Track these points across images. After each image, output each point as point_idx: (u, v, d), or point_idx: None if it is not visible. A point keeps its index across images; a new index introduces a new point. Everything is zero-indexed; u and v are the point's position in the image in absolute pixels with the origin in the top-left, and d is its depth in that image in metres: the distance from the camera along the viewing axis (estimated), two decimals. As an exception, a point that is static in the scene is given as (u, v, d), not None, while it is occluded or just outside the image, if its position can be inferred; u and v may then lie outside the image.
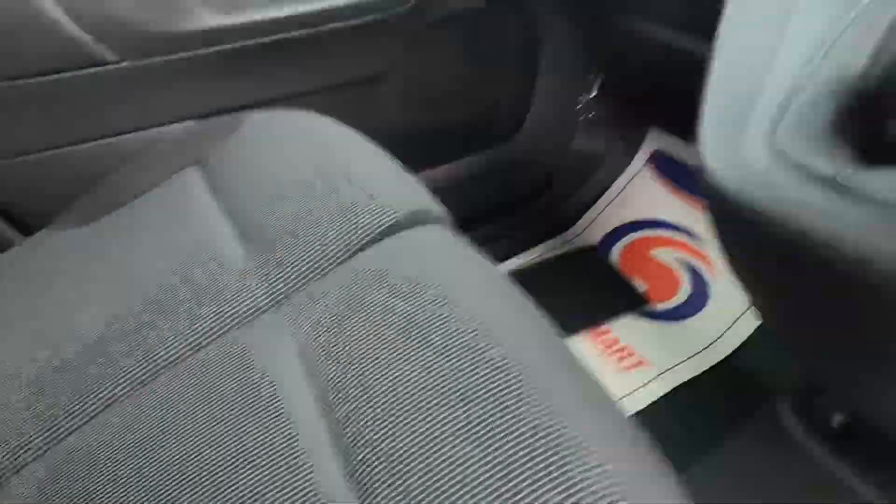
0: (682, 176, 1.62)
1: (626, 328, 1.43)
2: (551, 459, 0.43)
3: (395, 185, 0.77)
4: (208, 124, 1.04)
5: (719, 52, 0.57)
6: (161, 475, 0.50)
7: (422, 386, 0.49)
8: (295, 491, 0.46)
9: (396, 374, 0.51)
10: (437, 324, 0.53)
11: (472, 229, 1.69)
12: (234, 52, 1.21)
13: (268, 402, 0.53)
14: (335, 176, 0.75)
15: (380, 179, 0.77)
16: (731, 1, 0.60)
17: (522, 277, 1.62)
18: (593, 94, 1.65)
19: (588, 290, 1.56)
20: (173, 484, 0.49)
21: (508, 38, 1.58)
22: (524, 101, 1.62)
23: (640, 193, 1.68)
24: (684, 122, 0.67)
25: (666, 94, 1.46)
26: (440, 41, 1.49)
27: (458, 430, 0.46)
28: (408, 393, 0.49)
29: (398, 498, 0.44)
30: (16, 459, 0.56)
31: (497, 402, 0.47)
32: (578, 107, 1.66)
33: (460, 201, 1.69)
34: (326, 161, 0.80)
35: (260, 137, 0.91)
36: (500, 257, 1.69)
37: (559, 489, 0.42)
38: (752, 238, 0.52)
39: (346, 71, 1.41)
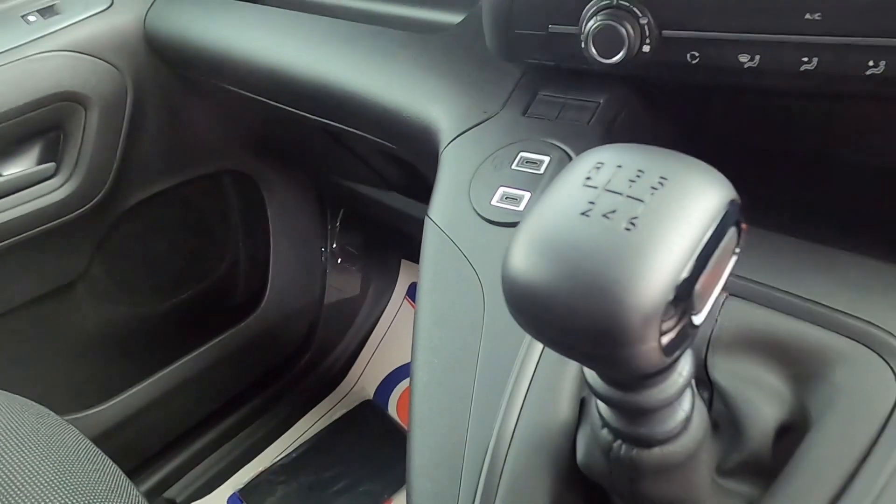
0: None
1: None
2: None
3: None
4: None
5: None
6: None
7: None
8: None
9: None
10: None
11: (236, 410, 1.54)
12: None
13: None
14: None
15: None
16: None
17: (305, 455, 1.46)
18: (334, 243, 1.55)
19: (372, 455, 1.44)
20: None
21: (229, 204, 1.44)
22: (261, 266, 1.48)
23: (404, 331, 1.61)
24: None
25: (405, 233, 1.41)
26: (144, 224, 1.31)
27: None
28: None
29: None
30: None
31: None
32: (323, 258, 1.56)
33: (215, 388, 1.52)
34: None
35: None
36: (273, 432, 1.53)
37: None
38: None
39: (29, 289, 1.19)
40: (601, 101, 0.60)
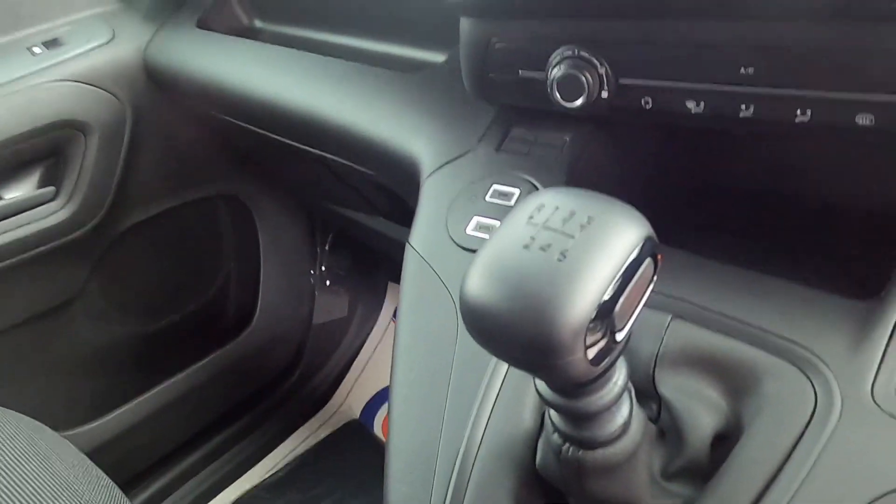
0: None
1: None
2: None
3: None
4: None
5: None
6: None
7: None
8: None
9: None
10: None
11: (226, 428, 1.58)
12: None
13: None
14: None
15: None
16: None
17: (293, 473, 1.50)
18: (323, 266, 1.60)
19: (358, 473, 1.48)
20: None
21: (221, 227, 1.49)
22: (252, 287, 1.52)
23: (391, 352, 1.65)
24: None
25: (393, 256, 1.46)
26: (139, 246, 1.35)
27: None
28: None
29: None
30: None
31: None
32: (311, 280, 1.60)
33: (206, 405, 1.56)
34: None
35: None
36: (262, 450, 1.56)
37: None
38: None
39: (26, 307, 1.23)
40: (567, 139, 0.66)
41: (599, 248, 0.29)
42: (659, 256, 0.31)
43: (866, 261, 0.51)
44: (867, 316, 0.45)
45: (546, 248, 0.29)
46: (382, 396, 1.59)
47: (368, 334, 1.66)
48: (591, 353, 0.30)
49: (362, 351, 1.65)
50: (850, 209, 0.59)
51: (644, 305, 0.32)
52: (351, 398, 1.62)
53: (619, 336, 0.31)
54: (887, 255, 0.49)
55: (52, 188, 1.18)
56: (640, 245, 0.30)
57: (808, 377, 0.44)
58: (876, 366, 0.43)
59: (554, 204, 0.31)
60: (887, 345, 0.43)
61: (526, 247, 0.30)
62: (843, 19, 0.46)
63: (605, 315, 0.29)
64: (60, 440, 0.81)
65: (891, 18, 0.44)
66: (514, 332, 0.29)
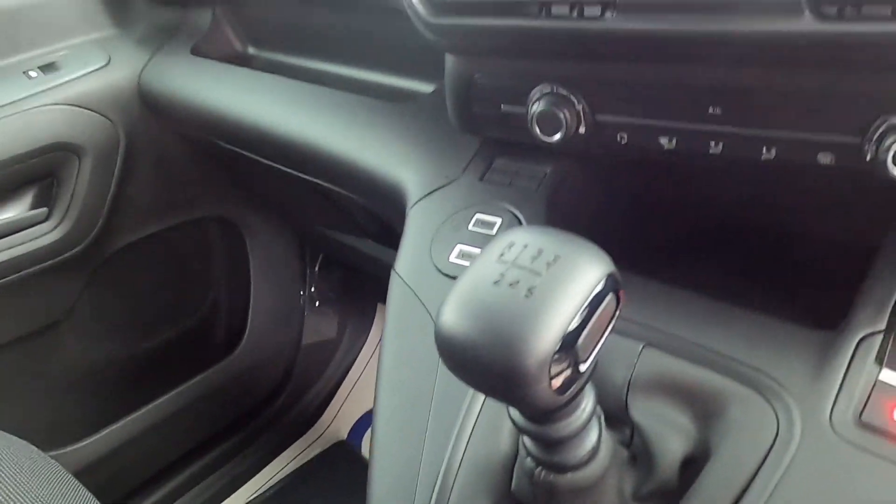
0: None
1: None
2: None
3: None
4: None
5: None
6: None
7: None
8: None
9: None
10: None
11: (214, 447, 1.58)
12: None
13: None
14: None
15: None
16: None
17: (280, 494, 1.50)
18: (313, 287, 1.62)
19: (345, 494, 1.48)
20: None
21: (211, 248, 1.50)
22: (242, 308, 1.54)
23: (379, 373, 1.66)
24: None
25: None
26: (129, 266, 1.37)
27: None
28: None
29: None
30: None
31: None
32: (301, 301, 1.62)
33: (194, 426, 1.56)
34: None
35: None
36: (250, 470, 1.56)
37: None
38: None
39: (15, 327, 1.24)
40: (548, 171, 0.68)
41: (564, 286, 0.31)
42: (621, 292, 0.34)
43: (828, 291, 0.53)
44: (827, 345, 0.47)
45: (514, 285, 0.31)
46: (370, 418, 1.60)
47: (357, 355, 1.67)
48: (556, 382, 0.32)
49: (351, 372, 1.67)
50: (815, 240, 0.62)
51: (608, 337, 0.34)
52: (339, 419, 1.62)
53: (583, 367, 0.33)
54: (847, 286, 0.51)
55: (44, 209, 1.19)
56: (603, 282, 0.32)
57: (771, 404, 0.46)
58: (834, 394, 0.45)
59: (523, 242, 0.33)
60: (845, 374, 0.46)
61: (496, 283, 0.32)
62: (805, 66, 0.48)
63: (568, 348, 0.31)
64: (48, 460, 0.81)
65: (848, 68, 0.47)
66: (484, 364, 0.31)
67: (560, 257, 0.32)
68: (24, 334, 1.26)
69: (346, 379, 1.67)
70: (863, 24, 0.42)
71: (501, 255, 0.33)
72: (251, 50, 1.21)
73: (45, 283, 1.24)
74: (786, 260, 0.62)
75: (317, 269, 1.63)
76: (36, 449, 0.82)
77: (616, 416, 0.50)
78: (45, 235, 1.20)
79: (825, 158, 0.51)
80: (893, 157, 0.46)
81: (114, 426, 1.36)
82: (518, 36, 0.55)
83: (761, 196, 0.64)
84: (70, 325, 1.33)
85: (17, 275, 1.18)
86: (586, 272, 0.32)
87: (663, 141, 0.57)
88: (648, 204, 0.70)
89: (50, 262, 1.22)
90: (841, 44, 0.43)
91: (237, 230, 1.49)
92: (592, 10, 0.51)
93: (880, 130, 0.47)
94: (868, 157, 0.48)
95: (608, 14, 0.50)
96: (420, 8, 0.58)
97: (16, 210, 1.18)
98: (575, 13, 0.52)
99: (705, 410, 0.49)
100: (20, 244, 1.17)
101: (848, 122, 0.49)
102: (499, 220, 0.65)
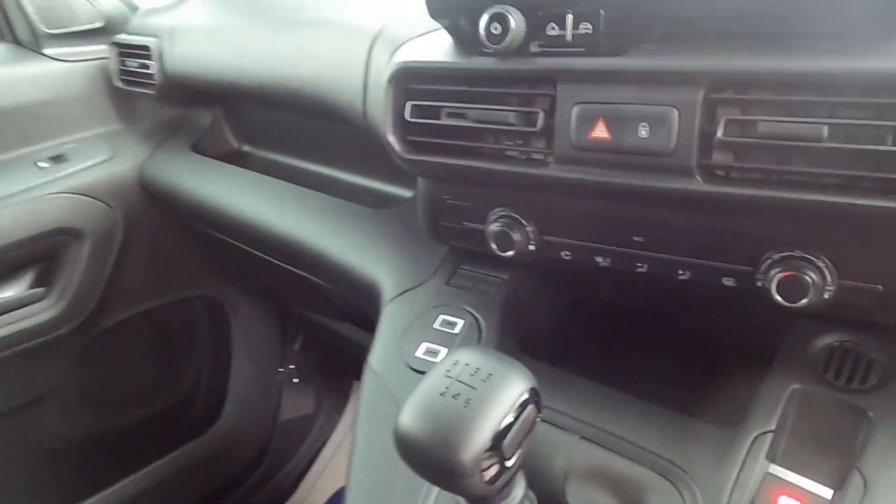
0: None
1: None
2: None
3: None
4: None
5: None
6: None
7: None
8: None
9: None
10: None
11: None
12: None
13: None
14: None
15: None
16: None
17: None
18: (292, 364, 1.69)
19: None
20: None
21: (197, 325, 1.58)
22: (221, 383, 1.60)
23: (354, 450, 1.71)
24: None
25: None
26: (118, 343, 1.43)
27: None
28: None
29: None
30: None
31: None
32: (279, 378, 1.68)
33: (173, 499, 1.59)
34: None
35: None
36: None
37: None
38: None
39: (2, 402, 1.29)
40: (506, 278, 0.78)
41: (493, 398, 0.41)
42: (539, 408, 0.43)
43: (735, 391, 0.62)
44: (728, 441, 0.57)
45: (456, 396, 0.41)
46: (343, 495, 1.64)
47: (333, 431, 1.73)
48: (487, 475, 0.40)
49: (326, 447, 1.72)
50: (729, 346, 0.72)
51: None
52: (313, 495, 1.66)
53: (509, 462, 0.42)
54: (749, 389, 0.61)
55: (43, 289, 1.27)
56: (525, 395, 0.42)
57: (680, 491, 0.55)
58: (732, 483, 0.54)
59: (465, 361, 0.43)
60: (741, 467, 0.55)
61: (442, 394, 0.41)
62: (701, 212, 0.59)
63: (497, 447, 0.40)
64: None
65: (734, 215, 0.57)
66: (429, 458, 0.40)
67: (493, 374, 0.42)
68: (8, 409, 1.30)
69: (321, 455, 1.72)
70: (741, 187, 0.53)
71: (448, 371, 0.43)
72: (246, 147, 1.33)
73: (34, 359, 1.30)
74: (704, 362, 0.72)
75: (297, 346, 1.70)
76: None
77: (556, 502, 0.59)
78: (42, 313, 1.27)
79: (728, 281, 0.61)
80: (776, 285, 0.56)
81: (90, 500, 1.40)
82: (478, 172, 0.66)
83: (687, 306, 0.74)
84: (54, 399, 1.38)
85: (9, 351, 1.24)
86: (512, 387, 0.41)
87: (599, 259, 0.68)
88: (590, 309, 0.80)
89: (42, 339, 1.28)
90: (724, 200, 0.54)
91: (222, 308, 1.57)
92: (538, 157, 0.63)
93: (766, 263, 0.57)
94: (759, 284, 0.58)
95: (550, 162, 0.61)
96: (397, 147, 0.69)
97: (16, 288, 1.26)
98: (525, 157, 0.64)
99: (630, 497, 0.57)
100: (17, 321, 1.24)
101: (742, 255, 0.59)
102: (462, 322, 0.75)
